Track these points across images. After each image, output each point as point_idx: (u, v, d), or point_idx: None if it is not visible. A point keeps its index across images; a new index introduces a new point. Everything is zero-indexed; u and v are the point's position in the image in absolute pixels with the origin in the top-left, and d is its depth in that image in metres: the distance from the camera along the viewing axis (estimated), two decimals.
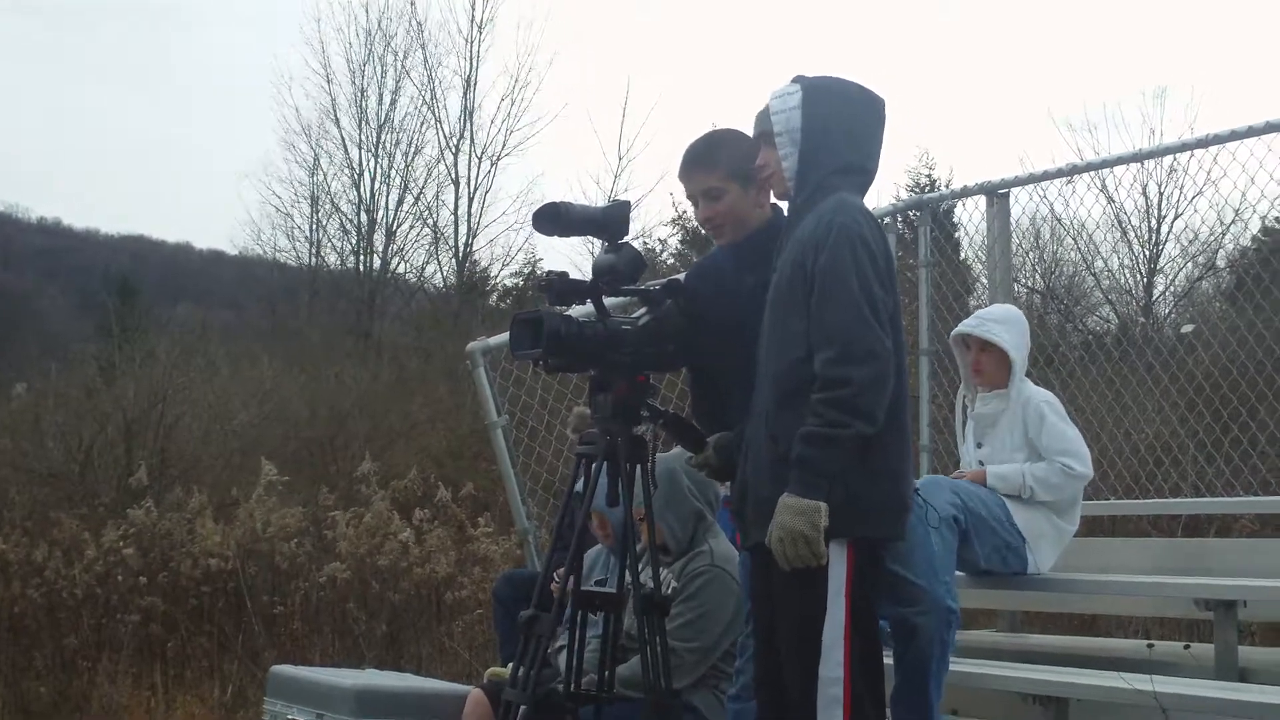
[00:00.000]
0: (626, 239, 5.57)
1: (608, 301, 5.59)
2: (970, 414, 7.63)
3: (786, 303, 5.04)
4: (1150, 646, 8.13)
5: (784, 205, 5.51)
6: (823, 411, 4.78)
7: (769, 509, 4.85)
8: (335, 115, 36.32)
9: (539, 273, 32.21)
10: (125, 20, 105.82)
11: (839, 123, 5.16)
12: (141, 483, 16.22)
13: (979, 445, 7.53)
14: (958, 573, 7.19)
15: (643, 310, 5.60)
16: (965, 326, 7.57)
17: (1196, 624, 9.88)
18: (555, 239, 5.73)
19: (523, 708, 5.46)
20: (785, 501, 4.79)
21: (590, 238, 5.68)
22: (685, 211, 30.51)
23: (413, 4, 37.52)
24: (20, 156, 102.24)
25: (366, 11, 36.63)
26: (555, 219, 5.47)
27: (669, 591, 6.61)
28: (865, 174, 5.25)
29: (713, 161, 5.67)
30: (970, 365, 7.55)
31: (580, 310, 5.72)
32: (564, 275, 5.48)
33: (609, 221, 5.57)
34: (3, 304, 50.01)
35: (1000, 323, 7.47)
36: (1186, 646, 8.08)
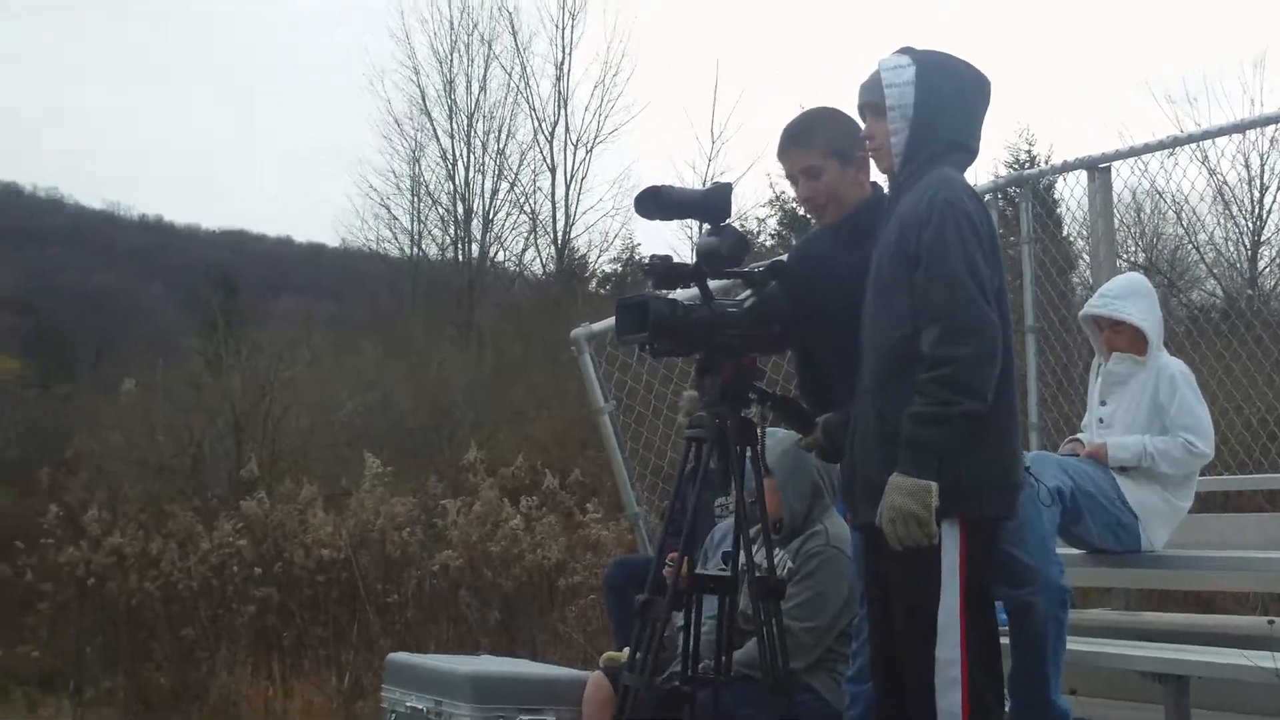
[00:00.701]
0: (728, 221, 5.56)
1: (711, 284, 5.59)
2: (1102, 369, 7.55)
3: (890, 280, 5.02)
4: (1271, 623, 8.05)
5: (883, 182, 5.50)
6: (930, 390, 4.75)
7: (877, 488, 4.83)
8: (425, 106, 36.41)
9: (637, 258, 32.32)
10: (220, 20, 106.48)
11: (951, 101, 5.13)
12: (252, 474, 16.37)
13: (1103, 403, 7.45)
14: (1071, 551, 7.15)
15: (747, 292, 5.60)
16: (1092, 307, 7.49)
17: None
18: (654, 224, 5.75)
19: (640, 692, 5.49)
20: (895, 481, 4.77)
21: (688, 222, 5.69)
22: (782, 192, 30.47)
23: None
24: (121, 156, 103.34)
25: (449, 2, 36.52)
26: (657, 202, 5.47)
27: (784, 572, 6.62)
28: (969, 152, 5.21)
29: (810, 139, 5.65)
30: (1104, 343, 7.49)
31: (684, 294, 5.72)
32: (667, 259, 5.48)
33: (711, 204, 5.57)
34: (108, 302, 50.53)
35: (1125, 297, 7.39)
36: None
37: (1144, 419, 7.21)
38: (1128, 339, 7.33)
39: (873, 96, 5.21)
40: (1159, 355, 7.30)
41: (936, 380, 4.73)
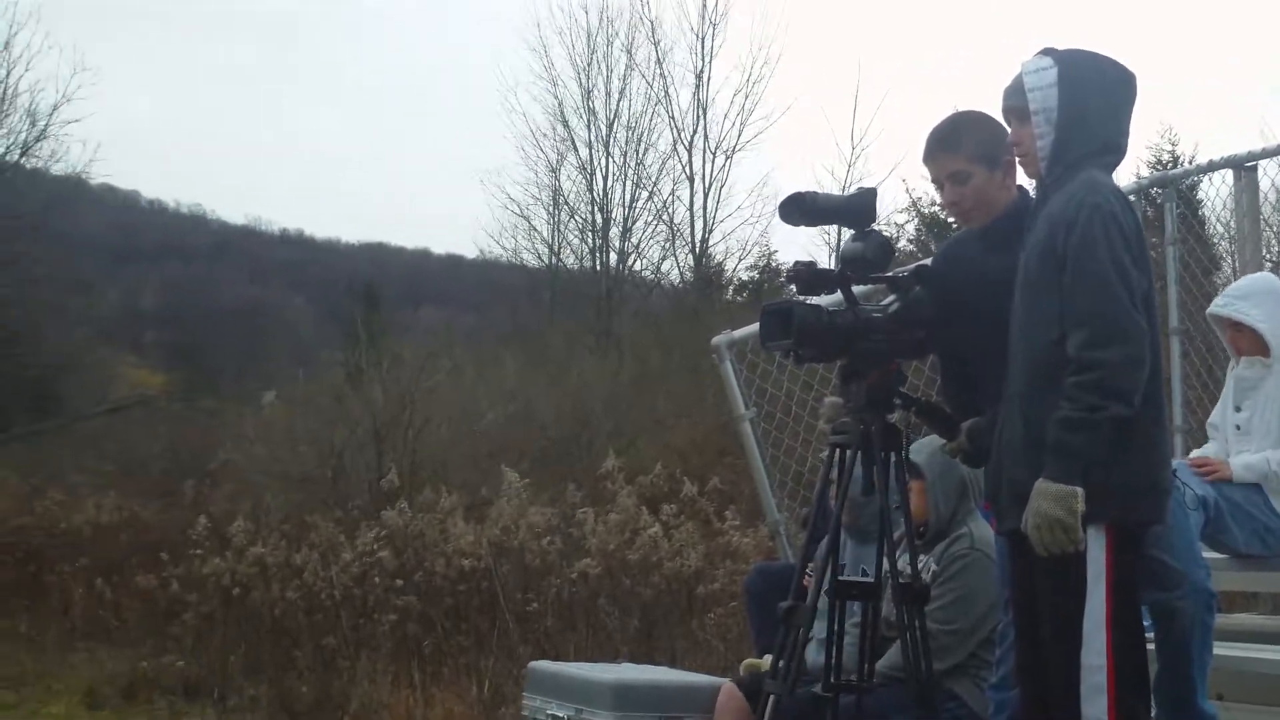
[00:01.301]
0: (872, 226, 5.55)
1: (855, 290, 5.58)
2: (1234, 373, 7.47)
3: (1037, 283, 4.98)
4: None
5: (1029, 186, 5.46)
6: (1077, 395, 4.71)
7: (1023, 494, 4.80)
8: (563, 116, 36.59)
9: (774, 266, 32.30)
10: (354, 31, 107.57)
11: (1095, 101, 5.07)
12: (393, 485, 16.50)
13: (1237, 409, 7.37)
14: (1216, 555, 7.07)
15: (891, 297, 5.58)
16: (1214, 307, 7.44)
17: None
18: (792, 231, 5.77)
19: (781, 698, 5.48)
20: (1041, 487, 4.73)
21: (827, 229, 5.68)
22: (920, 198, 30.32)
23: (645, 2, 37.63)
24: (263, 172, 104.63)
25: (586, 12, 36.70)
26: (802, 208, 5.48)
27: (928, 576, 6.60)
28: (1117, 152, 5.16)
29: (958, 144, 5.63)
30: (1229, 344, 7.43)
31: (829, 299, 5.71)
32: (812, 264, 5.49)
33: (855, 209, 5.57)
34: (250, 315, 51.21)
35: (1246, 298, 7.31)
36: None
37: (1278, 424, 7.12)
38: (1249, 340, 7.25)
39: (1017, 101, 5.17)
40: None
41: (1083, 385, 4.69)
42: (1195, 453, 7.59)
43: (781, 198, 5.59)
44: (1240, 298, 7.32)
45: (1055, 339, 4.83)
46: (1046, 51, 5.15)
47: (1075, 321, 4.77)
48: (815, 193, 5.54)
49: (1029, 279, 5.02)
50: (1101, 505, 4.72)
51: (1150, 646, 5.69)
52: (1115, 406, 4.67)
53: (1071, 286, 4.82)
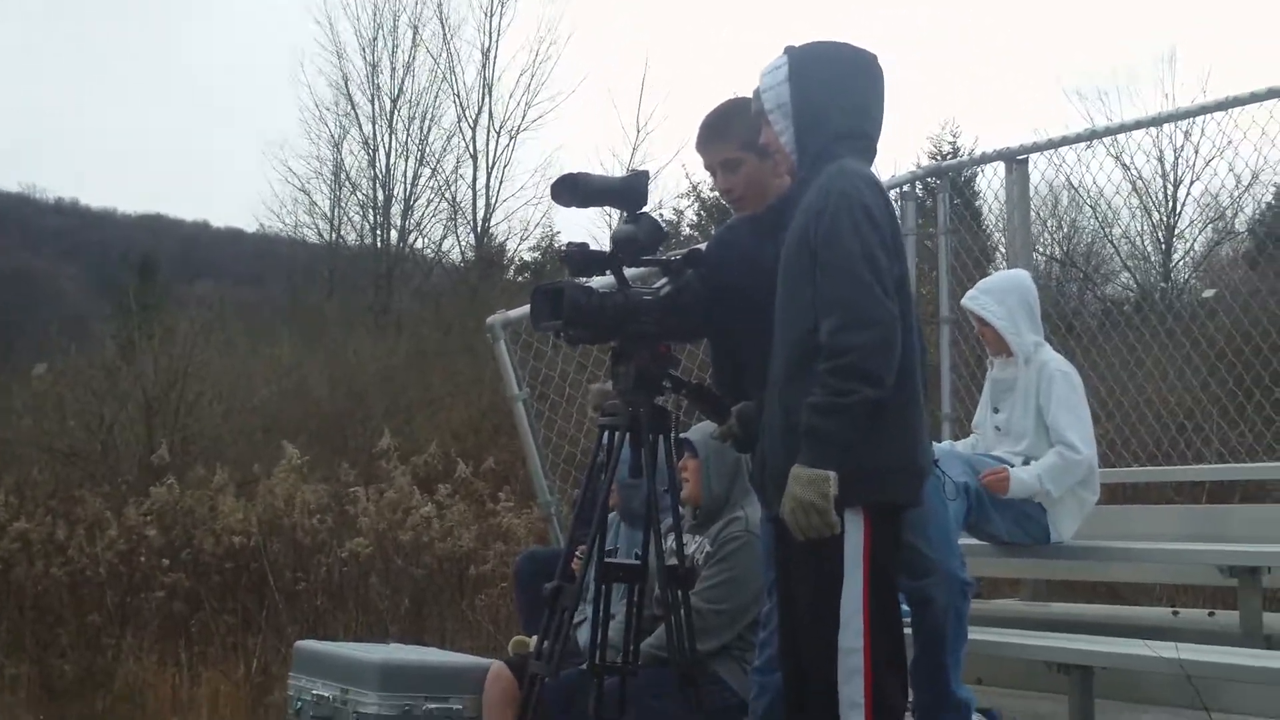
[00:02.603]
0: (645, 209, 5.55)
1: (628, 272, 5.58)
2: (990, 377, 7.63)
3: (795, 273, 4.99)
4: (1175, 614, 8.14)
5: None
6: (828, 380, 4.72)
7: (784, 480, 4.81)
8: (348, 90, 36.32)
9: (556, 246, 32.31)
10: (132, 2, 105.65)
11: (830, 89, 5.07)
12: (163, 460, 16.26)
13: (995, 410, 7.53)
14: (980, 543, 7.19)
15: (663, 280, 5.58)
16: (964, 299, 7.61)
17: (1221, 591, 9.85)
18: (573, 211, 5.75)
19: (547, 680, 5.48)
20: (795, 472, 4.75)
21: (608, 210, 5.66)
22: (700, 183, 30.58)
23: None
24: (37, 138, 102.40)
25: None
26: (573, 189, 5.45)
27: (702, 557, 6.64)
28: (866, 137, 5.15)
29: (728, 132, 5.63)
30: (979, 335, 7.61)
31: (601, 281, 5.70)
32: (584, 246, 5.47)
33: (627, 192, 5.55)
34: (22, 285, 50.11)
35: (990, 293, 7.48)
36: (1211, 613, 8.09)
37: (1033, 424, 7.29)
38: (994, 336, 7.42)
39: (756, 104, 5.20)
40: (1039, 353, 7.37)
41: (834, 369, 4.71)
42: (962, 444, 7.73)
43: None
44: (985, 292, 7.50)
45: (810, 327, 4.84)
46: (786, 49, 5.16)
47: (826, 308, 4.79)
48: (588, 174, 5.51)
49: (788, 268, 5.03)
50: (856, 489, 4.74)
51: (908, 630, 5.78)
52: (865, 390, 4.69)
53: (821, 274, 4.83)
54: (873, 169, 5.15)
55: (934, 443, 6.61)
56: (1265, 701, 6.60)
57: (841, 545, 4.78)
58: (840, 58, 5.15)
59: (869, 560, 4.80)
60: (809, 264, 4.89)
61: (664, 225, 5.66)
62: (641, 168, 29.58)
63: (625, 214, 5.54)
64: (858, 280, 4.75)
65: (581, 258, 5.45)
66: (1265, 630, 7.07)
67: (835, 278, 4.79)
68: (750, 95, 5.42)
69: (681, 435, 6.63)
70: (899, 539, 5.05)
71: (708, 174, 5.91)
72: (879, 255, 4.80)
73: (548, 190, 5.69)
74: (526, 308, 6.52)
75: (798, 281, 4.95)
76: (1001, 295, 7.44)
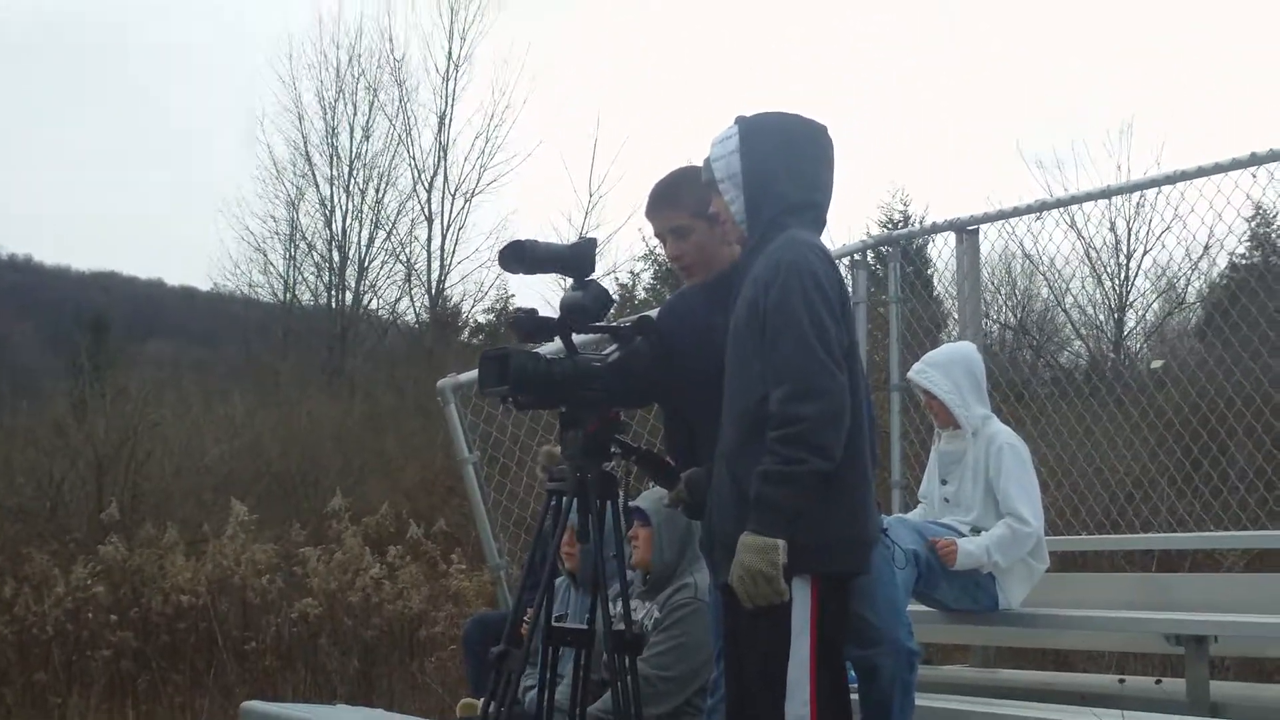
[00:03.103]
0: (593, 276, 5.56)
1: (580, 339, 5.59)
2: (937, 449, 7.67)
3: (744, 343, 5.01)
4: (1122, 681, 8.15)
5: None
6: (778, 449, 4.73)
7: (733, 548, 4.82)
8: (307, 151, 36.33)
9: (510, 309, 32.32)
10: (97, 57, 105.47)
11: (780, 160, 5.10)
12: (113, 518, 16.19)
13: (944, 482, 7.57)
14: (928, 609, 7.21)
15: (613, 347, 5.59)
16: (910, 373, 7.68)
17: (1169, 659, 9.88)
18: (526, 276, 5.76)
19: None
20: (744, 540, 4.75)
21: (561, 276, 5.65)
22: (656, 247, 30.61)
23: (390, 41, 37.51)
24: None
25: (338, 48, 36.44)
26: (520, 257, 5.46)
27: (650, 623, 6.64)
28: (816, 208, 5.18)
29: (677, 200, 5.65)
30: (926, 407, 7.65)
31: (551, 347, 5.72)
32: (532, 312, 5.47)
33: (575, 258, 5.56)
34: None
35: (937, 366, 7.54)
36: (1158, 681, 8.10)
37: (982, 496, 7.35)
38: (941, 408, 7.47)
39: (706, 173, 5.23)
40: (987, 425, 7.43)
41: (784, 439, 4.72)
42: (910, 515, 7.75)
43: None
44: (932, 366, 7.56)
45: (760, 397, 4.85)
46: (736, 120, 5.19)
47: (775, 378, 4.80)
48: (535, 241, 5.52)
49: (737, 338, 5.05)
50: (805, 558, 4.75)
51: (855, 697, 5.79)
52: (815, 461, 4.71)
53: (771, 344, 4.85)
54: (822, 239, 5.18)
55: (883, 515, 6.66)
56: None
57: (789, 613, 4.78)
58: (790, 128, 5.18)
59: (815, 629, 4.81)
60: (758, 334, 4.90)
61: (617, 291, 5.67)
62: (595, 233, 29.80)
63: (573, 281, 5.56)
64: (808, 350, 4.77)
65: (529, 324, 5.45)
66: (1212, 698, 7.09)
67: (785, 347, 4.81)
68: (696, 165, 5.45)
69: (632, 503, 6.65)
70: (846, 608, 5.06)
71: (658, 240, 5.93)
72: (828, 325, 4.82)
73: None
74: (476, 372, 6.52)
75: (747, 351, 4.97)
76: (947, 368, 7.49)
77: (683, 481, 5.54)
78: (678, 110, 65.19)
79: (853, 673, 6.20)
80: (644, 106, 62.37)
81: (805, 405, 4.71)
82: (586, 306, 5.48)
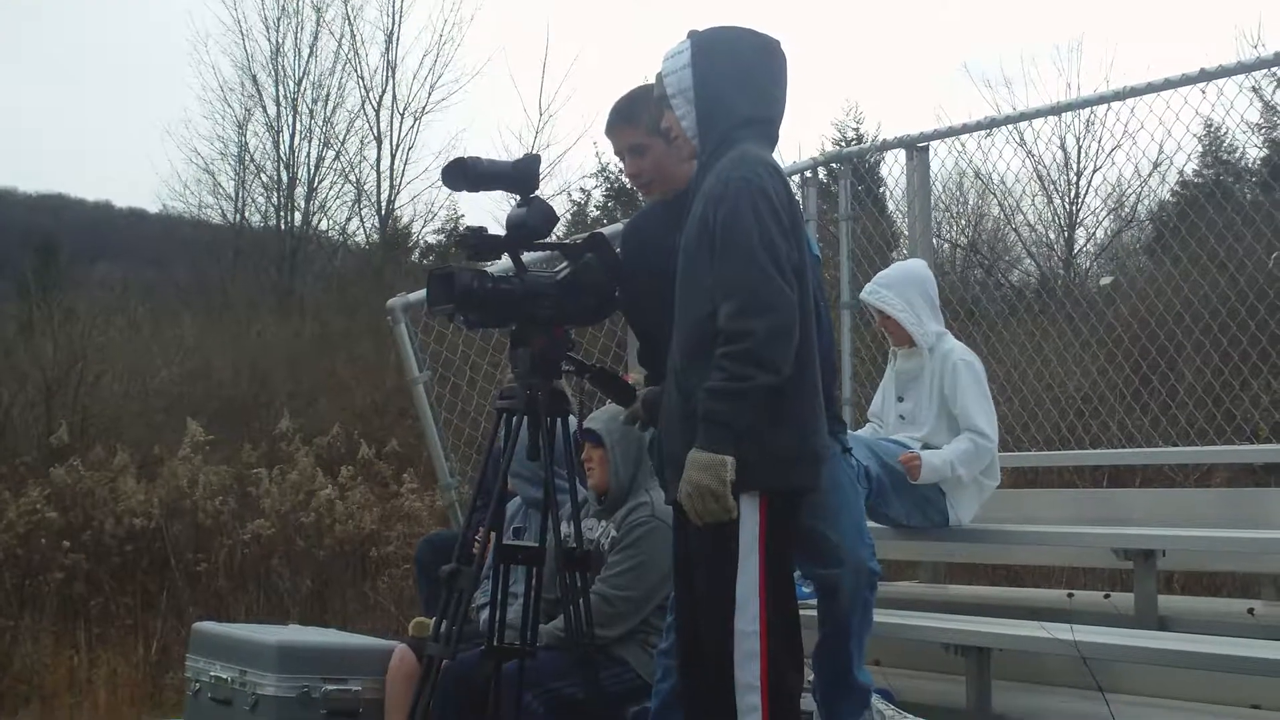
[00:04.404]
0: (538, 193, 5.55)
1: (534, 256, 5.58)
2: (893, 368, 7.69)
3: (694, 259, 4.99)
4: (1070, 596, 8.21)
5: None
6: (726, 365, 4.72)
7: (682, 465, 4.82)
8: (252, 71, 36.04)
9: (460, 229, 32.25)
10: None
11: (731, 75, 5.08)
12: (62, 441, 16.16)
13: (900, 399, 7.59)
14: (879, 525, 7.23)
15: (564, 264, 5.59)
16: (863, 293, 7.68)
17: (1118, 573, 9.96)
18: (478, 195, 5.74)
19: (445, 662, 5.47)
20: (692, 456, 4.75)
21: (512, 195, 5.63)
22: (609, 164, 30.61)
23: None
24: None
25: None
26: (463, 174, 5.44)
27: (608, 542, 6.64)
28: (768, 123, 5.16)
29: (634, 118, 5.65)
30: (880, 327, 7.67)
31: (501, 265, 5.70)
32: (480, 230, 5.46)
33: (519, 176, 5.53)
34: None
35: (890, 286, 7.55)
36: (1106, 595, 8.17)
37: (936, 411, 7.37)
38: (896, 327, 7.48)
39: (659, 88, 5.21)
40: (941, 342, 7.45)
41: (731, 355, 4.70)
42: (863, 432, 7.76)
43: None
44: (885, 286, 7.56)
45: (709, 312, 4.83)
46: (689, 34, 5.16)
47: (723, 293, 4.78)
48: (478, 158, 5.49)
49: (686, 253, 5.03)
50: (753, 474, 4.75)
51: (811, 613, 5.81)
52: (763, 376, 4.69)
53: (719, 260, 4.83)
54: (774, 154, 5.17)
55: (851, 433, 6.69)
56: (1159, 682, 6.69)
57: (737, 530, 4.79)
58: (743, 42, 5.15)
59: (764, 545, 4.81)
60: (708, 249, 4.89)
61: (564, 211, 5.66)
62: (546, 151, 29.69)
63: (519, 198, 5.54)
64: (756, 266, 4.75)
65: (477, 242, 5.44)
66: (1159, 612, 7.14)
67: (733, 263, 4.79)
68: (652, 83, 5.43)
69: (584, 425, 6.64)
70: (795, 523, 5.06)
71: (617, 159, 5.93)
72: (778, 241, 4.80)
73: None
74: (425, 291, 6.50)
75: (696, 266, 4.96)
76: (901, 288, 7.49)
77: (639, 399, 5.55)
78: (630, 26, 65.05)
79: (805, 588, 6.24)
80: (595, 22, 62.09)
81: (753, 320, 4.70)
82: (530, 224, 5.46)
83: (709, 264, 4.88)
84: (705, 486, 4.68)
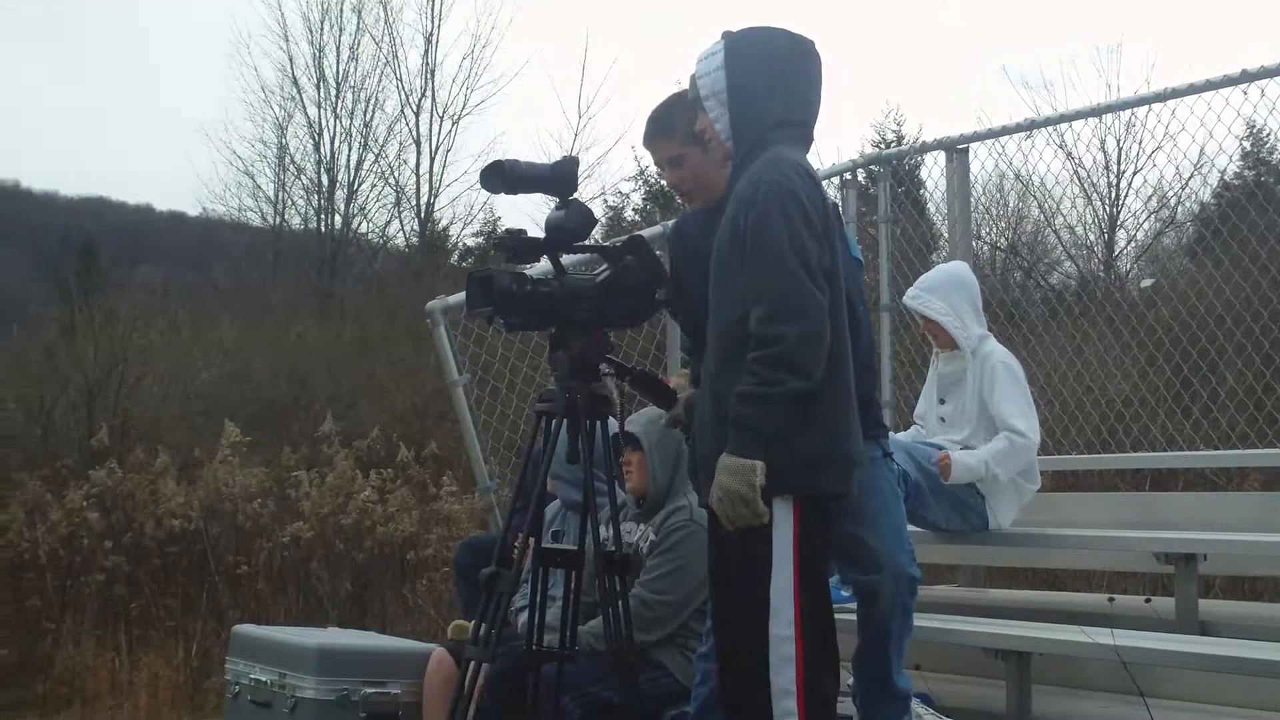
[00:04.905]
0: (576, 195, 5.55)
1: (574, 259, 5.58)
2: (936, 370, 7.68)
3: (727, 263, 4.98)
4: (1111, 600, 8.16)
5: None
6: (756, 370, 4.71)
7: (713, 469, 4.81)
8: (293, 74, 36.13)
9: (498, 232, 32.26)
10: None
11: (765, 76, 5.05)
12: (103, 444, 16.20)
13: (941, 401, 7.58)
14: (918, 529, 7.22)
15: (604, 266, 5.58)
16: (905, 298, 7.69)
17: (1159, 578, 9.91)
18: (518, 197, 5.75)
19: (485, 666, 5.47)
20: (723, 461, 4.74)
21: (545, 195, 5.64)
22: (647, 167, 30.57)
23: None
24: None
25: None
26: (501, 176, 5.44)
27: (646, 546, 6.63)
28: (802, 125, 5.14)
29: (670, 129, 5.68)
30: (924, 331, 7.67)
31: (541, 268, 5.71)
32: (520, 233, 5.46)
33: (557, 178, 5.53)
34: None
35: (932, 290, 7.54)
36: (1147, 600, 8.13)
37: (978, 414, 7.35)
38: (940, 331, 7.48)
39: (693, 91, 5.20)
40: (983, 345, 7.44)
41: (762, 359, 4.69)
42: (903, 435, 7.75)
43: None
44: (927, 290, 7.56)
45: (740, 317, 4.82)
46: (723, 35, 5.14)
47: (754, 298, 4.77)
48: (517, 161, 5.50)
49: (720, 257, 5.02)
50: (785, 478, 4.74)
51: (850, 618, 5.80)
52: (793, 381, 4.68)
53: (750, 264, 4.82)
54: (808, 157, 5.15)
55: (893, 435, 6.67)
56: (1200, 688, 6.66)
57: (770, 535, 4.78)
58: (777, 43, 5.13)
59: (798, 550, 4.80)
60: (739, 253, 4.88)
61: (602, 214, 5.66)
62: (585, 154, 29.67)
63: (556, 200, 5.54)
64: (787, 270, 4.73)
65: (516, 244, 5.44)
66: (1200, 616, 7.12)
67: (764, 267, 4.78)
68: (685, 91, 5.43)
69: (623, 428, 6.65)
70: (830, 527, 5.04)
71: (657, 170, 5.96)
72: (809, 245, 4.78)
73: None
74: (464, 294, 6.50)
75: (728, 270, 4.95)
76: (944, 292, 7.49)
77: (680, 403, 5.54)
78: (666, 27, 65.03)
79: (842, 591, 6.23)
80: (632, 24, 62.13)
81: (784, 325, 4.68)
82: (569, 226, 5.46)
83: (740, 268, 4.87)
84: (735, 491, 4.67)
